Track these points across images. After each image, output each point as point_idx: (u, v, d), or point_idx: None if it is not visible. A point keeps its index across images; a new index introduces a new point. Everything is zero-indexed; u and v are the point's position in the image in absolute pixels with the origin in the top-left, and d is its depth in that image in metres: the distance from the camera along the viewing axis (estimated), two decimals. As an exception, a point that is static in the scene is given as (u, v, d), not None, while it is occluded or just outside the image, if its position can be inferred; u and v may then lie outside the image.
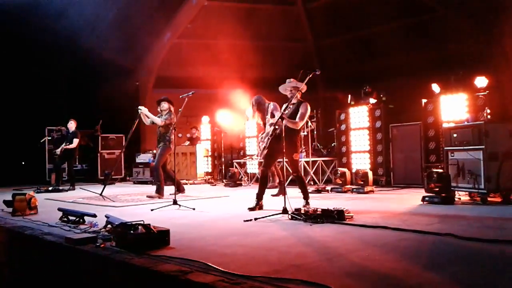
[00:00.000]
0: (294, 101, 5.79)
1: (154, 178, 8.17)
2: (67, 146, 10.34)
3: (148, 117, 7.93)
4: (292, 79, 5.94)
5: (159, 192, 7.77)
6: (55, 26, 11.50)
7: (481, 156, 5.96)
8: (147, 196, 7.67)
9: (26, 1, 11.33)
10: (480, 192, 5.98)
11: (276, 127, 5.78)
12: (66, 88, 13.70)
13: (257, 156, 7.43)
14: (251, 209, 5.72)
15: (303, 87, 5.81)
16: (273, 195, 7.43)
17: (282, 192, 7.49)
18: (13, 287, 4.63)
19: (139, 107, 8.02)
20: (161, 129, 7.90)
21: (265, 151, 5.94)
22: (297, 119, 5.66)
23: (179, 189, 7.79)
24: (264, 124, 7.32)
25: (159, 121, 7.86)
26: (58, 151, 10.45)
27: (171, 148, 7.74)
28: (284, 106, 5.73)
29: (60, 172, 10.87)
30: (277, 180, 8.21)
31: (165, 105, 7.93)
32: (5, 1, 10.88)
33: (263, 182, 5.97)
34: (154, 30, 14.44)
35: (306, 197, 5.92)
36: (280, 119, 5.46)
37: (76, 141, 10.43)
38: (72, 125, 10.61)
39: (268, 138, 5.91)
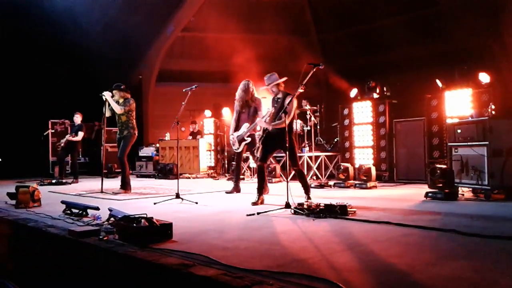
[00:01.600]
0: (279, 95, 5.94)
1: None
2: (72, 138, 10.36)
3: (109, 105, 7.56)
4: (270, 75, 6.00)
5: (125, 187, 7.54)
6: (59, 20, 11.48)
7: (485, 152, 5.93)
8: (113, 193, 7.39)
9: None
10: (484, 188, 5.96)
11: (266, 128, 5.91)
12: (69, 81, 13.70)
13: (236, 149, 7.40)
14: (254, 203, 5.73)
15: (281, 81, 5.94)
16: (227, 192, 7.46)
17: (237, 189, 7.46)
18: (16, 280, 4.65)
19: (103, 92, 7.57)
20: (122, 117, 7.59)
21: (260, 147, 5.99)
22: (283, 117, 5.57)
23: (126, 188, 7.55)
24: (239, 112, 7.34)
25: (118, 109, 7.52)
26: (62, 141, 10.50)
27: (136, 135, 7.68)
28: (267, 111, 5.92)
29: (63, 164, 10.89)
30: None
31: (118, 94, 7.65)
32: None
33: (261, 176, 6.01)
34: (157, 24, 14.42)
35: (307, 192, 5.92)
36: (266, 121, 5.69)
37: (81, 134, 10.46)
38: (77, 118, 10.64)
39: (261, 135, 6.00)
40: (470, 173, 6.15)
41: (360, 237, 3.68)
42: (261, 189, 5.95)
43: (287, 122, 5.43)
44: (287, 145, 5.38)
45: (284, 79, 6.02)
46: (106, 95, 7.56)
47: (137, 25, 13.70)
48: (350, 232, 3.89)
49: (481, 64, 8.94)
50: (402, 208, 5.32)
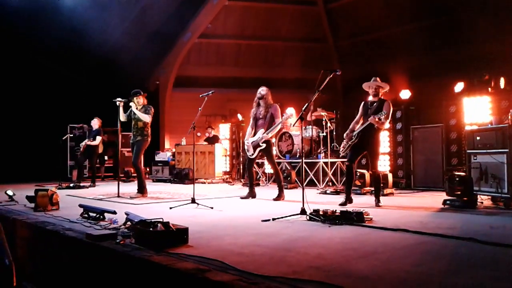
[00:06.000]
0: (375, 99, 6.34)
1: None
2: (90, 142, 10.52)
3: (126, 111, 7.72)
4: (377, 78, 6.40)
5: (142, 191, 7.63)
6: (78, 28, 11.69)
7: (505, 160, 5.83)
8: (130, 197, 7.44)
9: (50, 2, 11.57)
10: (503, 197, 5.85)
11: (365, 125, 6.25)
12: (88, 87, 13.91)
13: (251, 155, 7.39)
14: (342, 204, 6.07)
15: (387, 87, 6.31)
16: (242, 197, 7.45)
17: (252, 194, 7.42)
18: (35, 282, 4.72)
19: (130, 103, 7.66)
20: (140, 123, 7.65)
21: (351, 145, 6.34)
22: (383, 120, 6.08)
23: (142, 193, 7.61)
24: (256, 119, 7.38)
25: (147, 118, 7.59)
26: (82, 145, 10.66)
27: (149, 141, 7.75)
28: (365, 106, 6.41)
29: (82, 169, 11.03)
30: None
31: (141, 100, 7.72)
32: (29, 1, 11.11)
33: (349, 176, 6.38)
34: (174, 30, 14.57)
35: (377, 196, 6.28)
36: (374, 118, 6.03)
37: (99, 138, 10.61)
38: (95, 123, 10.78)
39: (358, 134, 6.30)
40: (489, 181, 6.04)
41: (376, 244, 3.64)
42: (350, 191, 6.37)
43: (386, 124, 6.39)
44: (374, 143, 6.17)
45: (387, 88, 6.43)
46: (133, 106, 7.62)
47: (155, 32, 13.88)
48: (367, 240, 3.85)
49: (501, 70, 8.80)
50: (419, 216, 5.26)
